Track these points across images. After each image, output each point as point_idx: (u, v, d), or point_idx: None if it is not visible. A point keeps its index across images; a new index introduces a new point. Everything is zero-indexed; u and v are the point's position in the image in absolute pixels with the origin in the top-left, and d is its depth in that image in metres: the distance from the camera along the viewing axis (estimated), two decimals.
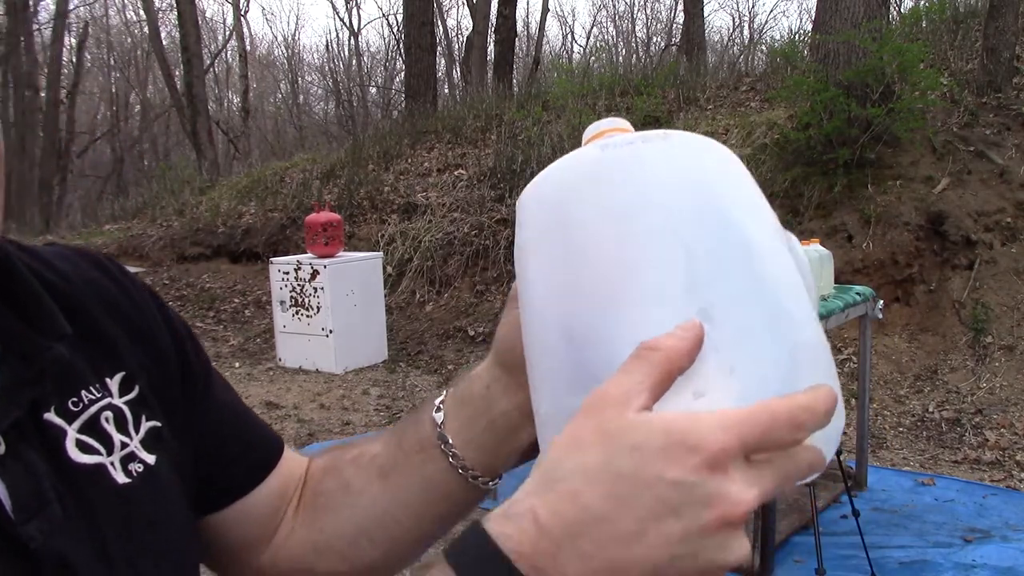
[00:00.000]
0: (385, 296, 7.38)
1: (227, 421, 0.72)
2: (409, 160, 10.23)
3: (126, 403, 0.61)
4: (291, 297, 6.93)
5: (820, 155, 6.84)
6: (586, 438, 0.41)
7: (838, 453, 3.15)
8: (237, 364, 7.24)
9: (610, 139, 0.51)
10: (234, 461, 0.72)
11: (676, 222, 0.48)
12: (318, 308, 6.80)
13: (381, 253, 7.82)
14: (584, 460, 0.41)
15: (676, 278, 0.46)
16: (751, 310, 0.46)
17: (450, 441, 0.66)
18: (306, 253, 7.15)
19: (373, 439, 0.73)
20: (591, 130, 0.55)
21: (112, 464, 0.57)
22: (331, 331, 6.77)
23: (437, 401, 0.68)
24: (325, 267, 6.75)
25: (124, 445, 0.59)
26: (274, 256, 7.70)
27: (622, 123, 0.55)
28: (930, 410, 5.22)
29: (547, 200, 0.52)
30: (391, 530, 0.69)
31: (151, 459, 0.60)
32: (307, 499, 0.75)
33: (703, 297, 0.46)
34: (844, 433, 4.25)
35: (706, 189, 0.49)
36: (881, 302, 4.10)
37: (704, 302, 0.46)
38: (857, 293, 3.95)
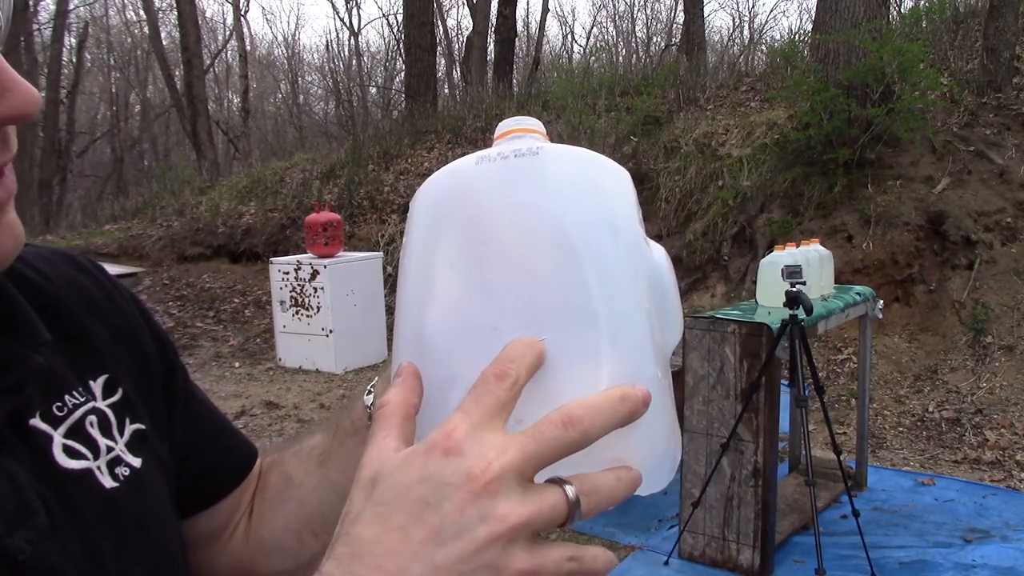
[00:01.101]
0: (385, 296, 7.38)
1: (205, 431, 0.73)
2: (409, 160, 10.23)
3: (109, 406, 0.61)
4: (291, 297, 6.93)
5: (820, 155, 6.84)
6: (355, 496, 0.44)
7: (838, 453, 3.15)
8: (237, 364, 7.24)
9: (500, 146, 0.50)
10: (211, 469, 0.72)
11: (519, 245, 0.47)
12: (318, 308, 6.80)
13: (381, 253, 7.82)
14: (352, 506, 0.43)
15: (513, 304, 0.46)
16: (580, 339, 0.46)
17: None
18: (306, 253, 7.15)
19: (314, 430, 0.74)
20: (502, 127, 0.54)
21: (99, 468, 0.57)
22: (331, 331, 6.77)
23: (370, 385, 0.68)
24: (325, 267, 6.75)
25: (110, 449, 0.59)
26: (274, 256, 7.70)
27: (530, 123, 0.53)
28: (930, 410, 5.22)
29: (423, 205, 0.52)
30: (331, 520, 0.69)
31: (137, 462, 0.60)
32: (256, 498, 0.76)
33: (537, 328, 0.46)
34: (844, 433, 4.22)
35: (556, 214, 0.47)
36: (881, 302, 4.10)
37: (535, 331, 0.46)
38: (857, 293, 3.95)
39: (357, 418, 0.68)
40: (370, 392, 0.67)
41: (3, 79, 0.45)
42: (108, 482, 0.57)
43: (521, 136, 0.52)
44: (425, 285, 0.50)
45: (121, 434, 0.60)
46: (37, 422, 0.55)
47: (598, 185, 0.49)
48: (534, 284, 0.46)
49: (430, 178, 0.52)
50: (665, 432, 0.48)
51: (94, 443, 0.58)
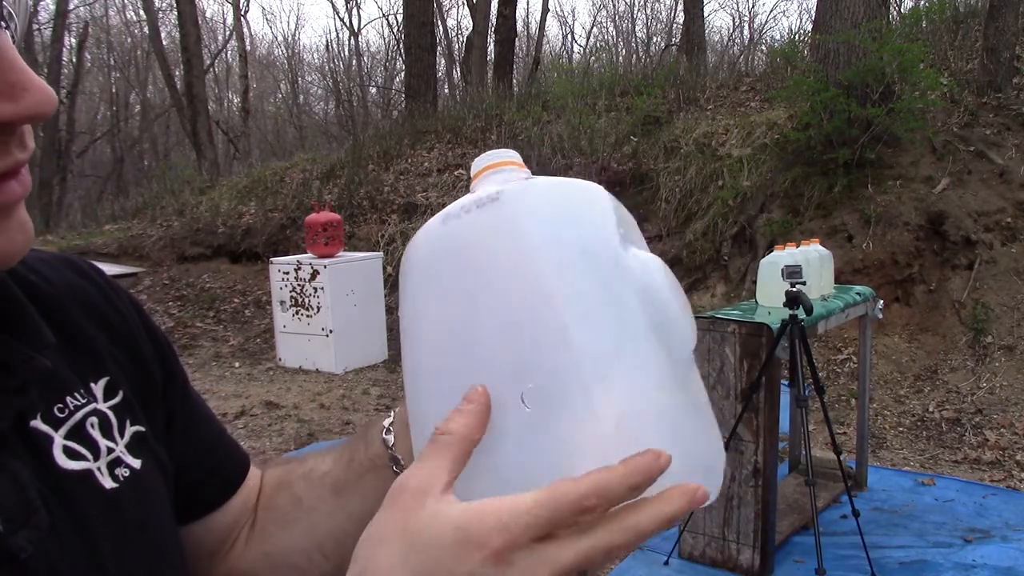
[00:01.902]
0: (385, 296, 7.38)
1: (202, 437, 0.73)
2: (409, 160, 10.23)
3: (111, 408, 0.61)
4: (291, 297, 6.93)
5: (820, 155, 6.84)
6: (387, 534, 0.43)
7: (838, 453, 3.15)
8: (237, 364, 7.24)
9: (464, 198, 0.50)
10: (207, 477, 0.73)
11: (495, 301, 0.47)
12: (318, 308, 6.80)
13: (381, 253, 7.82)
14: (386, 556, 0.42)
15: (500, 360, 0.46)
16: (567, 382, 0.45)
17: (402, 462, 0.68)
18: (306, 253, 7.15)
19: (322, 455, 0.75)
20: (475, 165, 0.53)
21: (99, 469, 0.58)
22: (331, 331, 6.77)
23: (386, 423, 0.70)
24: (325, 267, 6.75)
25: (110, 450, 0.59)
26: (274, 256, 7.70)
27: (504, 155, 0.53)
28: (930, 410, 5.22)
29: (408, 270, 0.52)
30: (346, 545, 0.70)
31: (137, 463, 0.61)
32: (260, 513, 0.77)
33: (523, 380, 0.46)
34: (844, 433, 4.21)
35: (525, 260, 0.47)
36: (881, 302, 4.10)
37: (524, 382, 0.46)
38: (857, 293, 3.95)
39: (376, 455, 0.70)
40: (389, 431, 0.69)
41: (22, 79, 0.45)
42: (108, 483, 0.58)
43: (499, 171, 0.52)
44: (420, 347, 0.51)
45: (122, 435, 0.61)
46: (38, 424, 0.55)
47: (567, 217, 0.49)
48: (516, 335, 0.46)
49: (412, 241, 0.52)
50: (704, 439, 0.49)
51: (95, 444, 0.59)
